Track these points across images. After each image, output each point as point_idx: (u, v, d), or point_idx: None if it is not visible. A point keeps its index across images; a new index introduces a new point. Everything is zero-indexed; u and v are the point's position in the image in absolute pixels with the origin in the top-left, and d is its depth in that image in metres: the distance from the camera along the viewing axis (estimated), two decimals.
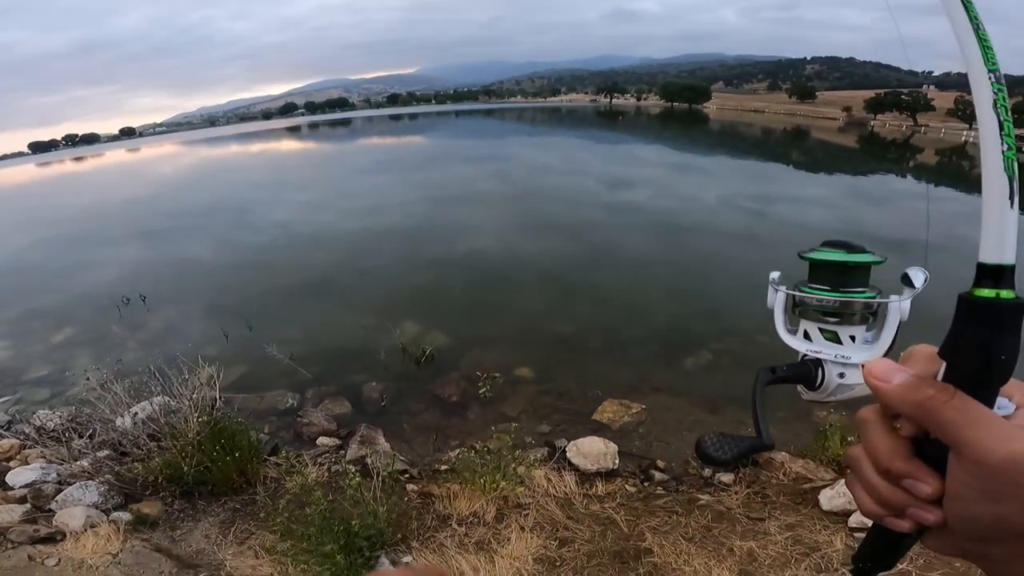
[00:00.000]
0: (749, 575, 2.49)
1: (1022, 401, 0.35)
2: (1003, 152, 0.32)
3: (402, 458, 4.17)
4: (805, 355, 0.54)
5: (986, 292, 0.32)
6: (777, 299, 0.59)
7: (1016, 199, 0.32)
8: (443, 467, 3.99)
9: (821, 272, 0.53)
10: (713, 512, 3.02)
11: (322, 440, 4.73)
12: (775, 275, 0.59)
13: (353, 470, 3.20)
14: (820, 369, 0.53)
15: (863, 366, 0.50)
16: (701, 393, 5.26)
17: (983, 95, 0.32)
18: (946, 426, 0.33)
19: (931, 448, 0.35)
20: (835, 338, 0.53)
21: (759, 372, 0.49)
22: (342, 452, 4.45)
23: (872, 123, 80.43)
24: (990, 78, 0.32)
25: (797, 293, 0.55)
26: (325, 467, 4.05)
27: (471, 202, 16.24)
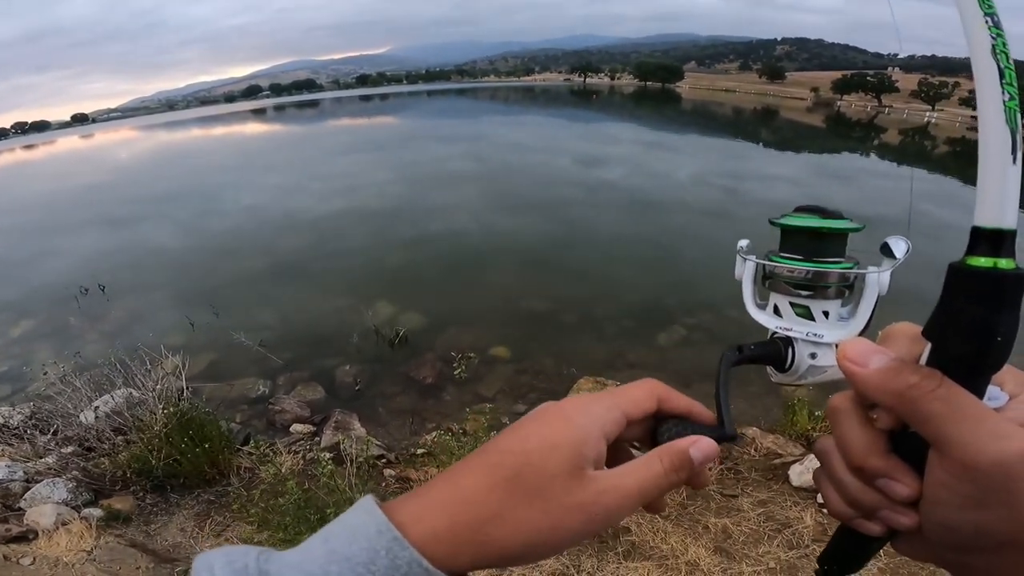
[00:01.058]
0: (724, 552, 2.55)
1: (1015, 390, 0.30)
2: (1004, 102, 0.28)
3: (378, 443, 4.14)
4: (775, 332, 0.49)
5: (982, 261, 0.28)
6: (746, 269, 0.53)
7: (1019, 154, 0.28)
8: (420, 451, 3.96)
9: (793, 239, 0.48)
10: (688, 489, 3.07)
11: (296, 427, 4.65)
12: (744, 243, 0.54)
13: (326, 458, 3.15)
14: (790, 348, 0.48)
15: (837, 346, 0.46)
16: (675, 368, 5.35)
17: (980, 41, 0.28)
18: (929, 420, 0.28)
19: (909, 442, 0.31)
20: (807, 314, 0.48)
21: (724, 353, 0.44)
22: (317, 439, 4.39)
23: (839, 103, 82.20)
24: (987, 22, 0.28)
25: (767, 263, 0.50)
26: (300, 455, 3.98)
27: (445, 182, 16.05)
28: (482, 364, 5.61)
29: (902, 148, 31.74)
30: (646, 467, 0.34)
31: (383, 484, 3.50)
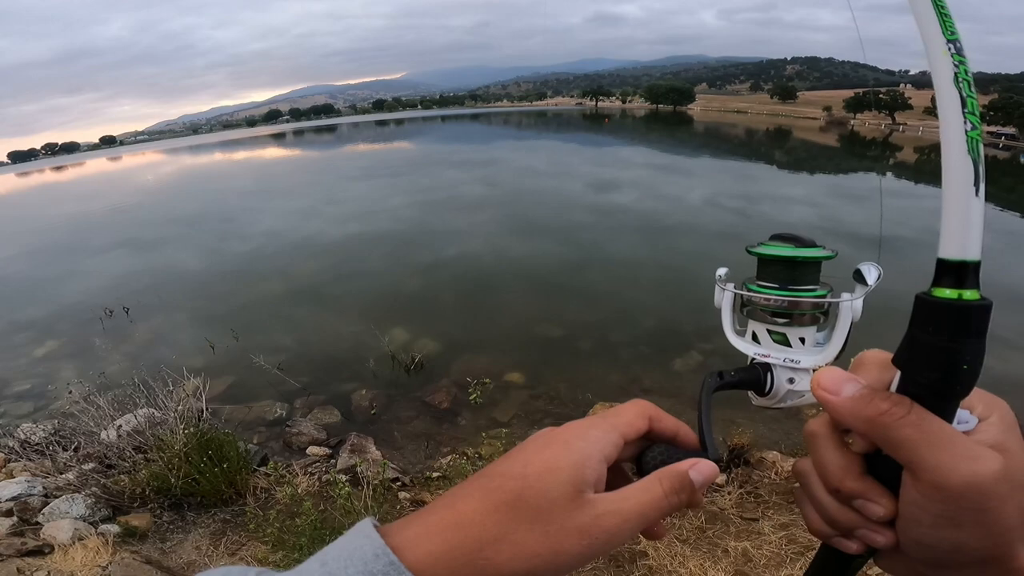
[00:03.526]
0: (745, 575, 2.51)
1: (985, 413, 0.31)
2: (967, 132, 0.28)
3: (393, 466, 4.14)
4: (754, 358, 0.50)
5: (947, 292, 0.28)
6: (724, 298, 0.54)
7: (982, 185, 0.28)
8: (435, 474, 3.97)
9: (769, 268, 0.49)
10: (707, 513, 3.03)
11: (312, 450, 4.68)
12: (722, 271, 0.55)
13: (343, 479, 3.17)
14: (769, 374, 0.49)
15: (814, 371, 0.44)
16: (691, 394, 5.28)
17: (943, 68, 0.28)
18: (901, 444, 0.29)
19: (884, 464, 0.32)
20: (784, 340, 0.49)
21: (705, 378, 0.45)
22: (332, 461, 4.41)
23: (852, 122, 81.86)
24: (949, 49, 0.28)
25: (744, 292, 0.51)
26: (316, 477, 4.01)
27: (459, 207, 16.22)
28: (497, 390, 5.60)
29: (918, 166, 31.43)
30: (646, 490, 0.35)
31: (398, 507, 3.49)
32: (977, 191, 0.28)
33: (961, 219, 0.28)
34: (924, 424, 0.29)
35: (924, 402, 0.30)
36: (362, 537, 0.31)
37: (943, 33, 0.28)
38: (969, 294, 0.28)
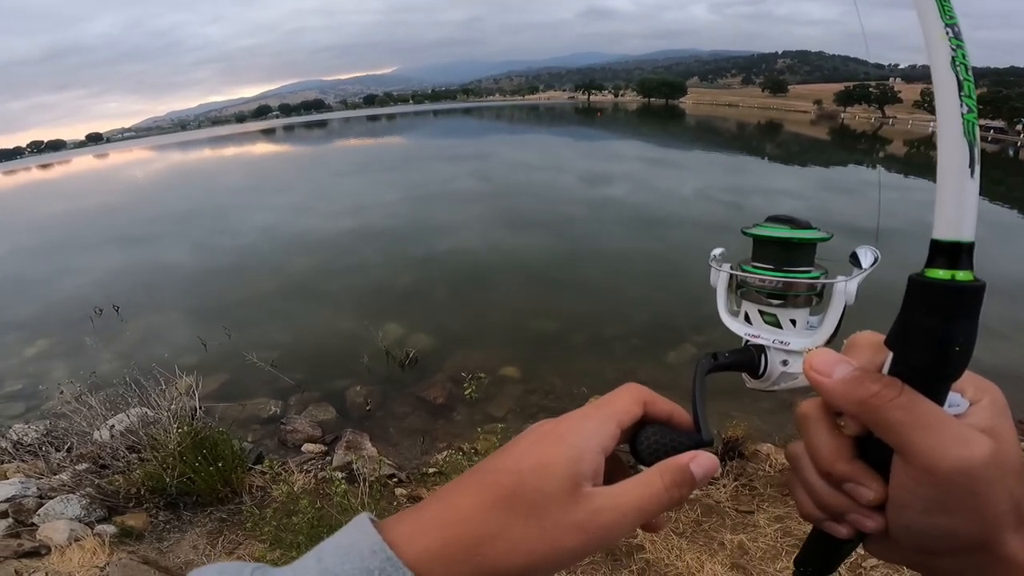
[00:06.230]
0: (741, 568, 2.53)
1: (976, 396, 0.31)
2: (963, 114, 0.28)
3: (389, 462, 4.15)
4: (747, 340, 0.49)
5: (940, 273, 0.28)
6: (720, 278, 0.54)
7: (977, 167, 0.28)
8: (431, 470, 3.97)
9: (764, 249, 0.49)
10: (702, 506, 3.05)
11: (307, 447, 4.67)
12: (717, 252, 0.54)
13: (339, 476, 3.17)
14: (763, 356, 0.48)
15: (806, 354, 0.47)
16: (685, 386, 5.27)
17: (940, 52, 0.28)
18: (891, 427, 0.29)
19: (876, 448, 0.31)
20: (775, 321, 0.48)
21: (700, 360, 0.44)
22: (328, 458, 4.40)
23: (842, 116, 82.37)
24: (947, 33, 0.28)
25: (739, 273, 0.50)
26: (312, 474, 4.00)
27: (452, 201, 16.19)
28: (492, 384, 5.60)
29: (907, 159, 31.69)
30: (645, 484, 0.34)
31: (395, 503, 3.50)
32: (972, 173, 0.28)
33: (955, 200, 0.28)
34: (915, 406, 0.29)
35: (916, 384, 0.29)
36: (359, 533, 0.31)
37: (941, 17, 0.28)
38: (962, 275, 0.28)
